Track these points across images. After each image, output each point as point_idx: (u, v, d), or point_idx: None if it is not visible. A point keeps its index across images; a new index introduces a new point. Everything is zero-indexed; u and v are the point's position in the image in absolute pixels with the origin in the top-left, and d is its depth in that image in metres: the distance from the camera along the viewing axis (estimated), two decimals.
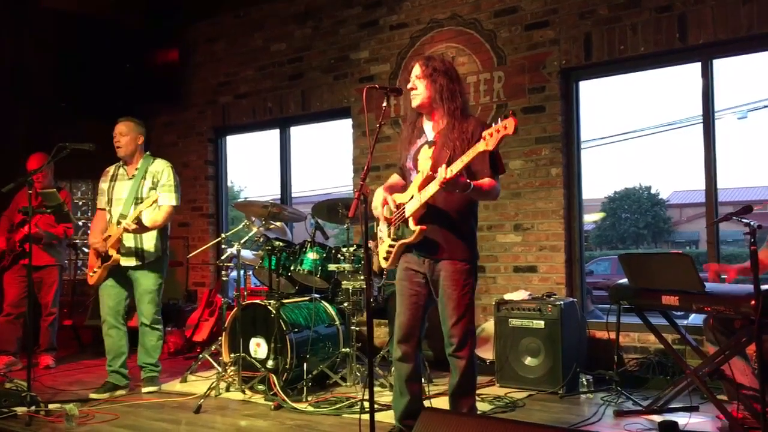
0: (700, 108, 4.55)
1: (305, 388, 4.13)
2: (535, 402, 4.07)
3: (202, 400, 4.05)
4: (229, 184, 7.52)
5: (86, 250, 6.87)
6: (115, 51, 6.61)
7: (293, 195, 6.93)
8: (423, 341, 3.27)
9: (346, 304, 4.48)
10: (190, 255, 6.00)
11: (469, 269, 3.04)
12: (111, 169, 4.62)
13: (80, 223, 7.11)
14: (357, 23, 5.95)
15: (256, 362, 4.35)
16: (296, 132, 6.77)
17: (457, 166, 2.77)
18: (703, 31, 4.39)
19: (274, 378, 4.15)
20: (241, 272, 4.68)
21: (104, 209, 4.53)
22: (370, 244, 3.55)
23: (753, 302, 2.99)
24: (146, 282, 4.45)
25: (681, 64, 4.71)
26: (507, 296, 4.62)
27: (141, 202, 4.34)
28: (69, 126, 6.16)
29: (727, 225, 3.69)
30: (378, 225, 3.29)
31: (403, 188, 3.19)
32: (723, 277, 3.55)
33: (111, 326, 4.45)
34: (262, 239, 4.73)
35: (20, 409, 3.81)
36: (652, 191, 22.89)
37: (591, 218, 21.75)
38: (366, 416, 2.82)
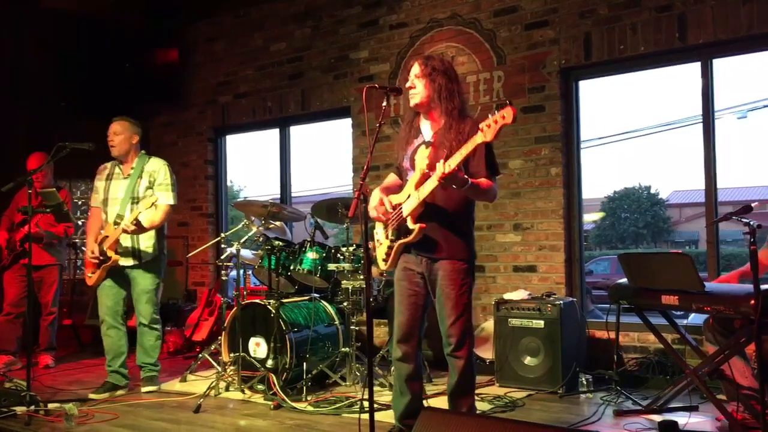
0: (699, 108, 4.55)
1: (305, 388, 4.12)
2: (535, 402, 4.07)
3: (201, 400, 4.05)
4: (228, 183, 7.53)
5: (85, 249, 6.86)
6: (115, 51, 6.60)
7: (293, 194, 6.93)
8: (423, 341, 3.27)
9: (345, 304, 4.48)
10: (190, 254, 6.00)
11: (467, 269, 3.04)
12: (107, 167, 4.60)
13: (80, 223, 7.11)
14: (357, 23, 5.95)
15: (255, 362, 4.35)
16: (296, 131, 6.79)
17: (456, 159, 2.77)
18: (703, 31, 4.39)
19: (274, 377, 4.15)
20: (241, 272, 4.68)
21: (99, 207, 4.52)
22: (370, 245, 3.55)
23: (752, 302, 2.99)
24: (144, 282, 4.44)
25: (681, 64, 4.71)
26: (506, 296, 4.62)
27: (137, 202, 4.33)
28: (69, 126, 6.16)
29: (727, 225, 3.69)
30: (375, 227, 3.29)
31: (399, 188, 3.18)
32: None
33: (110, 326, 4.45)
34: (261, 239, 4.73)
35: (19, 409, 3.80)
36: (652, 191, 22.89)
37: (590, 218, 21.74)
38: (366, 416, 2.82)
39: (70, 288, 6.57)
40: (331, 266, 4.52)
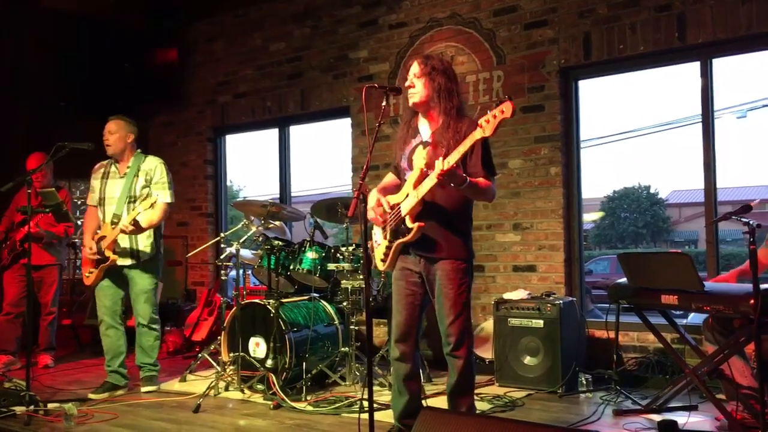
0: (699, 107, 4.55)
1: (304, 388, 4.13)
2: (535, 401, 4.07)
3: (201, 400, 4.05)
4: (228, 183, 7.52)
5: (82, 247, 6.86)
6: (114, 51, 6.61)
7: (292, 194, 6.93)
8: (422, 341, 3.27)
9: (345, 304, 4.48)
10: (189, 254, 5.99)
11: (465, 268, 3.04)
12: (103, 166, 4.58)
13: (79, 223, 7.11)
14: (356, 22, 5.95)
15: (255, 361, 4.35)
16: (295, 131, 6.78)
17: (454, 157, 2.77)
18: (702, 31, 4.39)
19: (273, 377, 4.15)
20: (240, 271, 4.68)
21: (95, 206, 4.52)
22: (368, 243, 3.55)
23: (752, 301, 2.99)
24: (142, 282, 4.44)
25: (680, 64, 4.71)
26: (506, 295, 4.62)
27: (134, 201, 4.33)
28: (69, 126, 6.15)
29: (726, 224, 3.69)
30: (373, 229, 3.28)
31: (397, 188, 3.18)
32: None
33: (109, 326, 4.44)
34: (261, 238, 4.73)
35: (19, 409, 3.80)
36: (652, 190, 22.88)
37: (590, 217, 21.73)
38: (365, 415, 2.82)
39: (69, 288, 6.57)
40: (331, 266, 4.52)
